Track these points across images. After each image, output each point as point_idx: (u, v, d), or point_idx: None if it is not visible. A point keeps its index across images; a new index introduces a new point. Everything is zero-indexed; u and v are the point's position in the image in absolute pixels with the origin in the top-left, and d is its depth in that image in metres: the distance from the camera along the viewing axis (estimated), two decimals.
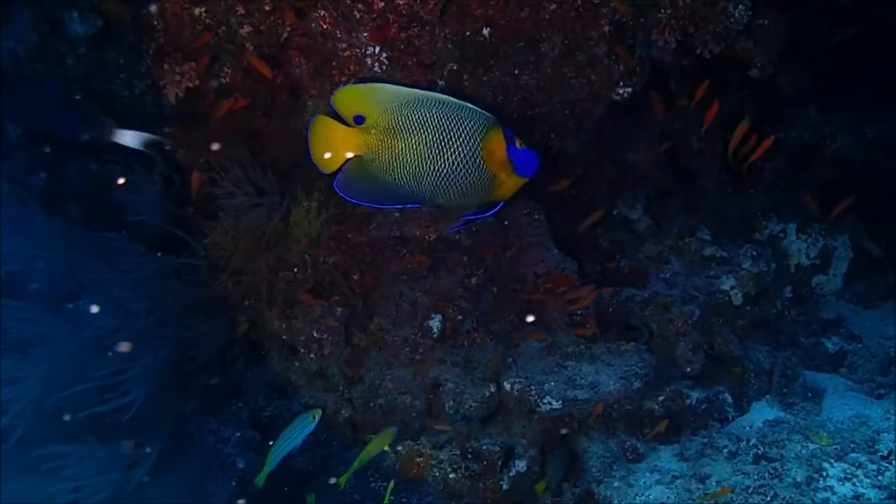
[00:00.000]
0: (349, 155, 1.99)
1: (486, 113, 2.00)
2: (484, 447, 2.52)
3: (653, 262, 3.02)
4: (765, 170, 3.24)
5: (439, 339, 2.65)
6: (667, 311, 2.79)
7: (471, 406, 2.53)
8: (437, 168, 1.95)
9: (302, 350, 2.60)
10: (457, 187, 1.98)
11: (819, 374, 3.07)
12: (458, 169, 1.95)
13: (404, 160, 1.94)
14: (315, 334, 2.56)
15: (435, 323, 2.63)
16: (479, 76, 2.54)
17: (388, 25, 2.31)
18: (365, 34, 2.33)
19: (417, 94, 1.98)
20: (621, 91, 2.64)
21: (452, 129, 1.95)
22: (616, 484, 2.52)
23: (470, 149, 1.95)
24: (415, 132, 1.94)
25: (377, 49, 2.35)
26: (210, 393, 2.48)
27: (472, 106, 2.00)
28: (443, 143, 1.94)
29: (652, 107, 2.83)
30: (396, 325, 2.62)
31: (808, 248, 3.26)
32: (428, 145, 1.93)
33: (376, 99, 1.96)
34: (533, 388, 2.56)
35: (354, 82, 2.05)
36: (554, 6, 2.48)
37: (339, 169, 2.04)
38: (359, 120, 1.97)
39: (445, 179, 1.96)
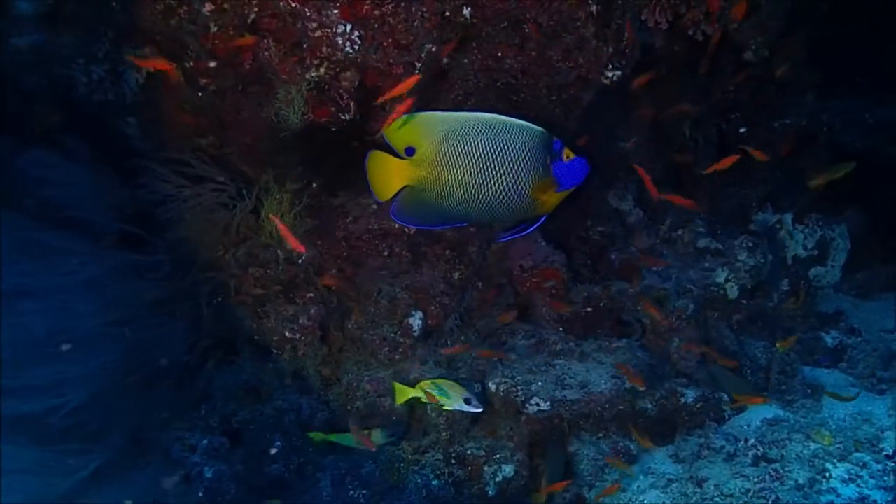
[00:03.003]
0: (402, 185, 2.10)
1: (535, 128, 2.03)
2: (469, 451, 2.37)
3: (645, 254, 2.88)
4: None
5: (421, 338, 2.51)
6: (660, 305, 2.65)
7: None
8: (482, 195, 2.04)
9: (275, 351, 2.45)
10: (501, 211, 2.08)
11: (818, 370, 2.95)
12: (502, 196, 2.04)
13: (451, 190, 2.04)
14: (288, 334, 2.41)
15: (416, 321, 2.49)
16: (460, 59, 2.40)
17: (361, 2, 2.15)
18: (335, 11, 2.16)
19: (464, 120, 2.04)
20: (610, 75, 2.51)
21: (496, 158, 2.02)
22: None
23: (513, 178, 2.02)
24: (460, 164, 2.02)
25: (348, 28, 2.19)
26: (175, 397, 2.29)
27: (519, 123, 2.03)
28: (487, 173, 2.02)
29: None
30: (375, 324, 2.48)
31: (806, 238, 3.11)
32: (473, 175, 2.02)
33: (424, 130, 2.04)
34: (519, 388, 2.41)
35: (406, 114, 2.08)
36: None
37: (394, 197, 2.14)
38: (410, 151, 2.06)
39: (490, 205, 2.06)
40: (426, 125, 2.05)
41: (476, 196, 2.04)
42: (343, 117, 2.35)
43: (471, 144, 2.02)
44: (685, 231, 2.92)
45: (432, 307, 2.52)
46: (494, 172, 2.02)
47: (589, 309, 2.64)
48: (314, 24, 2.22)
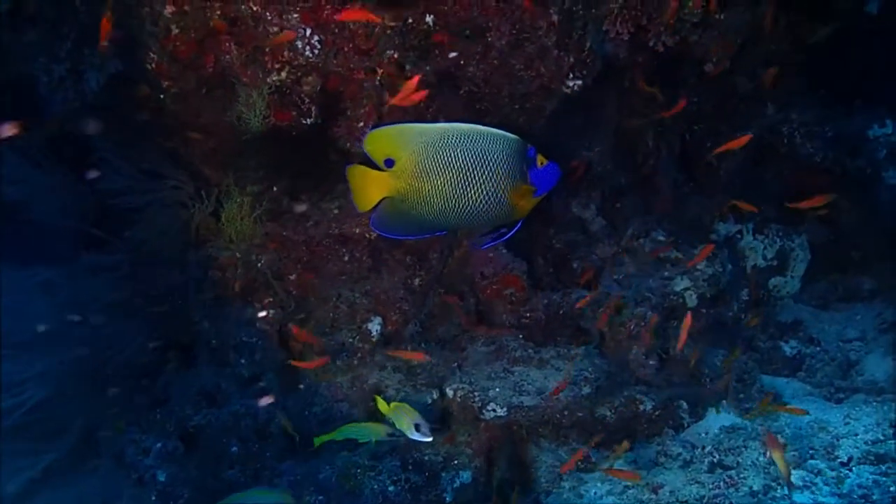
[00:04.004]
0: (382, 196, 2.11)
1: (511, 137, 2.06)
2: (426, 457, 2.35)
3: (607, 263, 2.88)
4: (721, 169, 3.15)
5: (380, 343, 2.50)
6: (619, 312, 2.65)
7: None
8: (461, 205, 2.06)
9: (233, 355, 2.42)
10: (481, 218, 2.09)
11: (777, 379, 2.94)
12: (481, 204, 2.06)
13: (431, 200, 2.05)
14: (245, 338, 2.38)
15: (374, 326, 2.50)
16: (422, 66, 2.39)
17: (321, 7, 2.13)
18: (296, 15, 2.16)
19: (442, 131, 2.05)
20: (571, 84, 2.50)
21: (476, 168, 2.04)
22: (566, 495, 2.36)
23: (492, 186, 2.04)
24: (440, 174, 2.03)
25: (308, 32, 2.18)
26: (131, 399, 2.28)
27: (496, 133, 2.06)
28: (466, 183, 2.04)
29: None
30: (334, 329, 2.47)
31: (766, 248, 3.13)
32: (453, 185, 2.04)
33: (403, 141, 2.05)
34: (477, 394, 2.40)
35: (384, 125, 2.12)
36: None
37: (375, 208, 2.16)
38: (389, 163, 2.06)
39: (470, 213, 2.07)
40: (405, 137, 2.06)
41: (456, 205, 2.05)
42: (305, 121, 2.37)
43: (450, 155, 2.03)
44: (646, 240, 2.92)
45: (392, 313, 2.51)
46: (474, 181, 2.03)
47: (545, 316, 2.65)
48: (275, 29, 2.22)
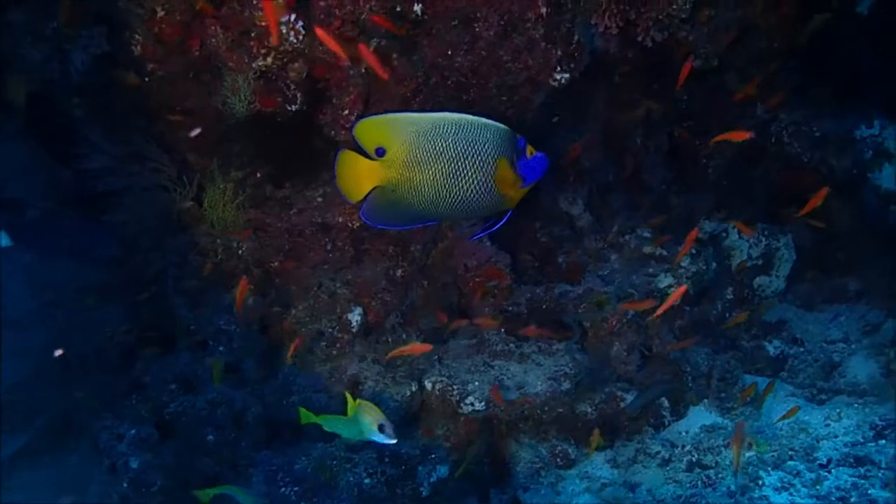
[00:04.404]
0: (372, 186, 2.07)
1: (501, 127, 2.04)
2: (403, 451, 2.32)
3: (592, 258, 2.88)
4: (709, 167, 3.13)
5: (360, 334, 2.49)
6: (601, 308, 2.64)
7: (390, 406, 2.35)
8: (452, 194, 2.03)
9: (211, 342, 2.40)
10: (470, 208, 2.05)
11: (759, 378, 2.91)
12: (472, 193, 2.03)
13: (422, 189, 2.02)
14: (223, 325, 2.36)
15: (355, 316, 2.47)
16: (410, 55, 2.39)
17: None
18: (280, 0, 2.12)
19: (434, 120, 2.02)
20: (559, 77, 2.49)
21: (467, 158, 2.01)
22: (543, 491, 2.36)
23: (482, 176, 2.02)
24: (431, 164, 2.01)
25: (292, 17, 2.16)
26: (107, 384, 2.25)
27: (487, 123, 2.03)
28: (458, 173, 2.02)
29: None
30: (314, 318, 2.45)
31: (751, 248, 3.10)
32: (444, 175, 2.01)
33: (394, 130, 2.01)
34: (455, 387, 2.40)
35: (374, 114, 2.11)
36: None
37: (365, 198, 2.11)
38: (380, 152, 2.02)
39: (460, 203, 2.04)
40: (396, 126, 2.02)
41: (447, 195, 2.02)
42: (290, 108, 2.35)
43: (442, 144, 2.00)
44: (632, 237, 2.90)
45: (373, 303, 2.50)
46: (465, 171, 2.01)
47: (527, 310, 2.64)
48: (261, 13, 2.20)
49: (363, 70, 2.35)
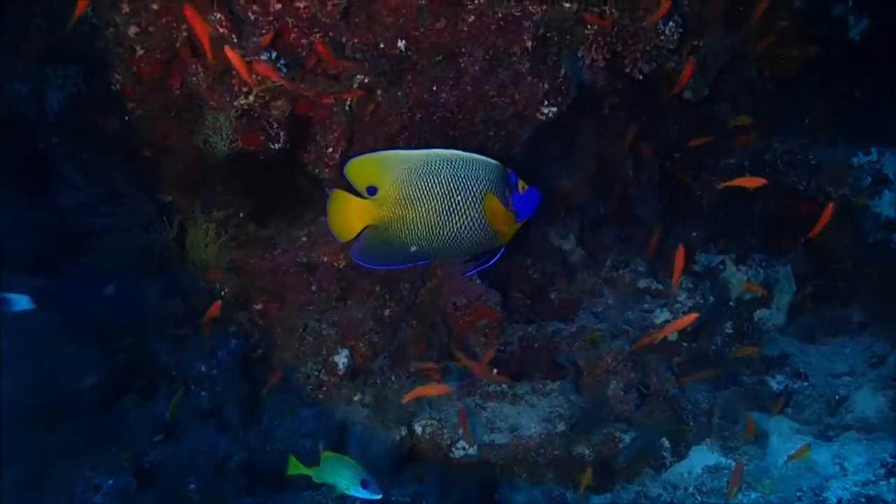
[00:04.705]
0: (364, 225, 2.08)
1: (492, 162, 2.05)
2: (393, 498, 2.29)
3: (585, 294, 2.87)
4: (703, 199, 3.13)
5: (347, 376, 2.46)
6: (596, 346, 2.62)
7: (378, 451, 2.33)
8: (445, 231, 2.04)
9: (193, 387, 2.36)
10: (464, 244, 2.07)
11: (763, 415, 2.88)
12: (465, 230, 2.04)
13: (415, 227, 2.03)
14: (204, 369, 2.34)
15: (341, 358, 2.45)
16: (394, 92, 2.39)
17: (287, 30, 2.12)
18: (261, 38, 2.12)
19: (425, 157, 2.03)
20: (546, 111, 2.49)
21: (458, 194, 2.02)
22: None
23: (475, 212, 2.04)
24: (423, 201, 2.02)
25: (273, 55, 2.17)
26: (84, 432, 2.19)
27: (477, 158, 2.05)
28: (450, 210, 2.03)
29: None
30: (299, 360, 2.44)
31: (749, 280, 3.09)
32: (437, 212, 2.02)
33: (385, 168, 2.02)
34: (446, 431, 2.38)
35: (365, 152, 2.08)
36: (473, 18, 2.34)
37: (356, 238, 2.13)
38: (371, 190, 2.04)
39: (453, 240, 2.05)
40: (387, 164, 2.02)
41: (440, 232, 2.03)
42: (273, 146, 2.34)
43: (434, 181, 2.01)
44: (626, 271, 2.89)
45: (360, 345, 2.48)
46: (458, 207, 2.01)
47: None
48: (241, 51, 2.19)
49: (347, 107, 2.35)
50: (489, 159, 2.07)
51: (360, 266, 2.19)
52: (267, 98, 2.28)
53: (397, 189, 2.01)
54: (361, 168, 2.02)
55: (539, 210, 2.17)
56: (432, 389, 2.35)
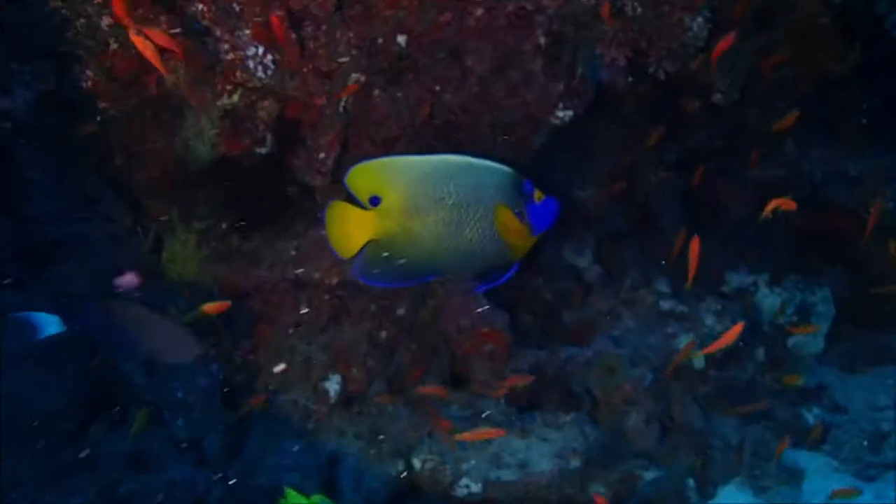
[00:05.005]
0: (367, 239, 2.05)
1: (505, 169, 2.03)
2: None
3: (602, 316, 2.86)
4: (732, 212, 3.10)
5: (338, 405, 2.44)
6: (613, 374, 2.59)
7: (372, 488, 2.29)
8: (454, 245, 2.02)
9: (168, 414, 2.34)
10: (474, 259, 2.05)
11: (798, 452, 2.89)
12: (476, 244, 2.02)
13: (422, 241, 2.00)
14: (182, 395, 2.32)
15: (332, 385, 2.43)
16: (393, 92, 2.36)
17: (275, 22, 2.07)
18: (247, 31, 2.11)
19: (433, 163, 2.00)
20: (561, 114, 2.46)
21: (469, 204, 2.00)
22: None
23: (487, 224, 2.02)
24: (431, 212, 1.99)
25: (260, 50, 2.14)
26: (52, 460, 2.17)
27: (489, 165, 2.02)
28: (460, 221, 2.00)
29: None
30: (286, 387, 2.41)
31: (784, 303, 3.06)
32: (445, 224, 2.00)
33: (390, 176, 1.99)
34: (448, 466, 2.34)
35: (367, 158, 2.04)
36: (481, 12, 2.31)
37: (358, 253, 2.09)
38: (374, 201, 2.00)
39: (463, 254, 2.03)
40: (392, 171, 2.00)
41: (449, 246, 2.01)
42: (259, 151, 2.31)
43: (442, 190, 1.98)
44: (648, 291, 2.89)
45: (354, 370, 2.45)
46: (469, 219, 1.99)
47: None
48: (226, 46, 2.17)
49: (341, 109, 2.32)
50: (502, 166, 2.04)
51: (363, 284, 2.18)
52: (253, 98, 2.25)
53: (403, 199, 1.98)
54: (364, 176, 1.99)
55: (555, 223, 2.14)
56: (489, 433, 2.30)
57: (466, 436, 2.28)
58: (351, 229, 2.01)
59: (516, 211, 2.01)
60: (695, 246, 2.29)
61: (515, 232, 2.03)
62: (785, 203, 2.39)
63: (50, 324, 1.93)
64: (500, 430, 2.29)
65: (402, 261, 2.02)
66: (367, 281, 2.08)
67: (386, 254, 2.02)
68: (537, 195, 2.07)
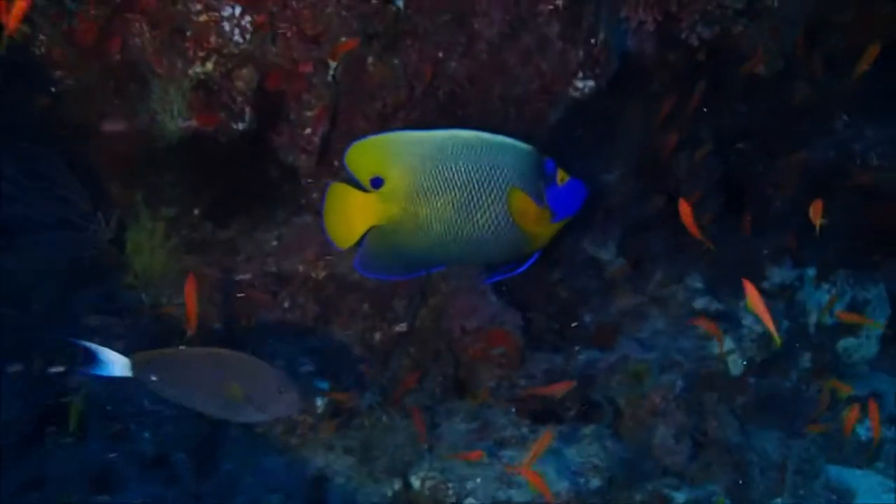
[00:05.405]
0: (368, 226, 2.05)
1: (524, 147, 2.03)
2: None
3: (627, 317, 2.83)
4: (776, 199, 3.07)
5: (327, 416, 2.41)
6: (639, 381, 2.57)
7: None
8: (466, 232, 2.03)
9: (134, 427, 2.31)
10: (488, 248, 2.06)
11: (847, 470, 2.88)
12: (490, 231, 2.03)
13: (430, 227, 2.01)
14: (148, 406, 2.30)
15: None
16: (390, 60, 2.35)
17: None
18: None
19: (443, 140, 2.01)
20: (581, 85, 2.46)
21: (483, 186, 2.00)
22: None
23: (502, 209, 2.02)
24: (441, 195, 2.00)
25: (237, 11, 2.13)
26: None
27: (505, 142, 2.03)
28: (474, 205, 2.01)
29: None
30: None
31: (832, 301, 3.04)
32: (456, 208, 2.00)
33: (395, 154, 2.00)
34: (450, 485, 2.29)
35: (368, 135, 2.05)
36: None
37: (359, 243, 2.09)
38: (377, 182, 2.01)
39: (475, 242, 2.04)
40: (397, 148, 2.01)
41: (460, 233, 2.02)
42: (236, 126, 2.30)
43: (453, 170, 1.99)
44: (679, 288, 2.87)
45: (343, 377, 2.44)
46: (482, 203, 2.00)
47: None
48: (199, 6, 2.16)
49: (330, 77, 2.30)
50: (520, 143, 2.04)
51: (364, 278, 2.23)
52: (229, 66, 2.24)
53: (409, 180, 1.99)
54: (365, 154, 1.99)
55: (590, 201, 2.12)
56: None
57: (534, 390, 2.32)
58: (351, 215, 2.01)
59: (535, 194, 2.00)
60: (685, 208, 2.24)
61: (533, 218, 2.01)
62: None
63: (118, 365, 1.94)
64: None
65: (407, 249, 2.03)
66: (370, 273, 2.09)
67: (390, 241, 2.02)
68: (561, 176, 2.07)
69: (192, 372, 2.00)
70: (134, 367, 1.95)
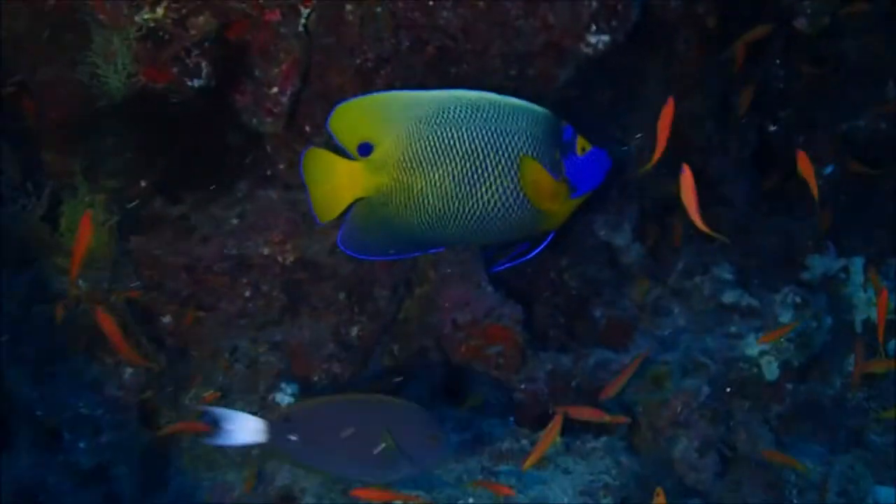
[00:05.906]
0: (354, 198, 2.08)
1: (538, 110, 2.05)
2: None
3: (644, 311, 2.84)
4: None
5: None
6: (658, 386, 2.58)
7: None
8: (469, 209, 2.05)
9: (67, 435, 2.31)
10: (494, 228, 2.08)
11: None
12: (497, 208, 2.04)
13: (426, 202, 2.04)
14: (84, 410, 2.29)
15: (286, 397, 2.41)
16: (370, 8, 2.32)
17: None
18: None
19: (442, 101, 2.04)
20: (594, 40, 2.39)
21: (489, 155, 2.02)
22: None
23: (510, 181, 2.03)
24: (439, 164, 2.02)
25: None
26: None
27: (517, 104, 2.05)
28: (477, 177, 2.02)
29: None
30: (224, 399, 2.40)
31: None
32: (457, 181, 2.02)
33: (386, 117, 2.03)
34: None
35: (356, 96, 2.11)
36: None
37: (342, 216, 2.12)
38: (365, 149, 2.04)
39: (479, 220, 2.06)
40: (389, 110, 2.04)
41: (461, 209, 2.04)
42: (191, 83, 2.28)
43: (453, 136, 2.02)
44: (705, 279, 2.85)
45: (315, 377, 2.45)
46: (488, 174, 2.01)
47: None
48: None
49: (301, 27, 2.29)
50: (533, 105, 2.04)
51: (351, 257, 2.19)
52: (183, 12, 2.20)
53: (402, 147, 2.01)
54: (351, 116, 2.01)
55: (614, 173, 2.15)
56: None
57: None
58: (335, 185, 2.04)
59: (551, 165, 2.01)
60: (668, 111, 2.16)
61: (548, 192, 2.03)
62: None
63: (247, 431, 1.97)
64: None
65: (399, 225, 2.05)
66: (354, 253, 2.12)
67: (379, 216, 2.04)
68: (581, 145, 2.09)
69: (337, 424, 2.00)
70: (270, 430, 1.97)
